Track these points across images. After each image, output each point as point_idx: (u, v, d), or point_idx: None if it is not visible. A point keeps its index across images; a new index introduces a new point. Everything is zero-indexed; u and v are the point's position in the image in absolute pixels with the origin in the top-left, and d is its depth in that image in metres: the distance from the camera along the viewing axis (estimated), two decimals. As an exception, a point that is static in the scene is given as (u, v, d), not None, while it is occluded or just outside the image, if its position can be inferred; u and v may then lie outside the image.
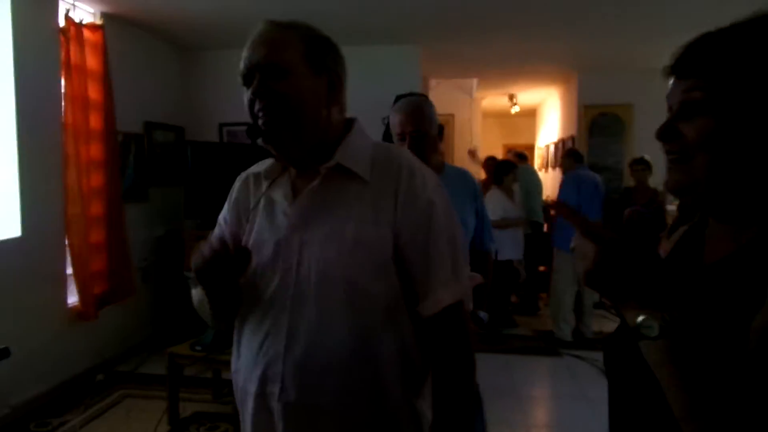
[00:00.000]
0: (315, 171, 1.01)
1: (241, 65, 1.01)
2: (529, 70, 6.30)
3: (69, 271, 3.55)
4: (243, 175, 1.18)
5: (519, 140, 9.96)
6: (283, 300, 1.00)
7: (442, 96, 6.82)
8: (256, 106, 0.99)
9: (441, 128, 1.97)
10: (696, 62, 0.70)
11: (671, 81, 0.74)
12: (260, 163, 1.13)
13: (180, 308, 3.77)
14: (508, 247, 4.72)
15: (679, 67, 0.72)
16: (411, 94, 2.24)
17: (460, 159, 7.37)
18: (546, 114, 8.73)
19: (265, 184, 1.09)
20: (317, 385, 0.98)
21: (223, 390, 3.36)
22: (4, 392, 3.03)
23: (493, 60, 5.67)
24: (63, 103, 3.47)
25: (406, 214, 0.99)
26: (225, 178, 4.92)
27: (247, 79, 1.00)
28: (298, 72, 0.98)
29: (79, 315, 3.59)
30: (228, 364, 2.85)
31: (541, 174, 8.17)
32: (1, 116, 3.06)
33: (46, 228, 3.36)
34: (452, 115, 7.38)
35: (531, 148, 9.43)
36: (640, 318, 0.65)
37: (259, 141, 1.00)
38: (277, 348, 0.99)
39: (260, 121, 0.99)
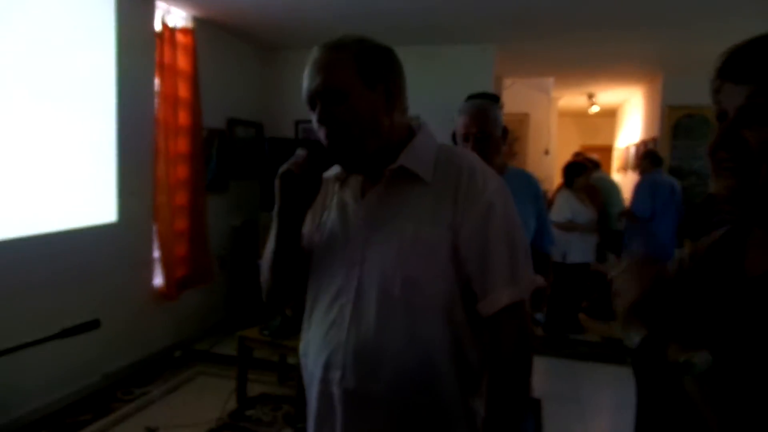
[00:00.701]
0: (381, 173, 1.08)
1: (303, 91, 1.08)
2: (609, 69, 6.06)
3: (156, 255, 3.87)
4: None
5: (597, 141, 9.59)
6: (348, 293, 1.07)
7: (517, 95, 6.71)
8: (322, 131, 1.07)
9: (505, 130, 1.98)
10: (756, 67, 0.67)
11: (718, 84, 0.72)
12: (333, 167, 1.17)
13: (252, 295, 4.00)
14: (578, 250, 4.60)
15: (733, 72, 0.70)
16: (483, 95, 2.26)
17: (535, 159, 7.23)
18: (627, 114, 8.34)
19: (336, 185, 1.17)
20: (373, 376, 1.03)
21: (288, 374, 3.54)
22: (97, 362, 3.37)
23: (572, 59, 5.51)
24: (156, 101, 3.78)
25: (464, 214, 1.03)
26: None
27: (311, 104, 1.07)
28: (355, 91, 1.04)
29: (162, 296, 3.91)
30: (293, 349, 3.01)
31: (619, 177, 7.85)
32: (104, 113, 3.38)
33: (138, 215, 3.68)
34: (527, 115, 7.23)
35: (609, 149, 9.05)
36: (683, 358, 0.63)
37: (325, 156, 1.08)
38: (340, 337, 1.06)
39: (327, 144, 1.07)
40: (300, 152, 1.08)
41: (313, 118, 1.07)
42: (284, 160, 1.10)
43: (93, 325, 1.18)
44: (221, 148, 4.59)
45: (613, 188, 5.69)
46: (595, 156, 6.21)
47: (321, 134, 1.07)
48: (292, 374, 3.42)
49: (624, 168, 7.97)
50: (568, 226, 4.52)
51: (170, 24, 3.85)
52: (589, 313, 5.22)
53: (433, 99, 3.71)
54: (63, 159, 3.10)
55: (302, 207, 1.11)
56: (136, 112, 3.60)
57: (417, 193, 1.06)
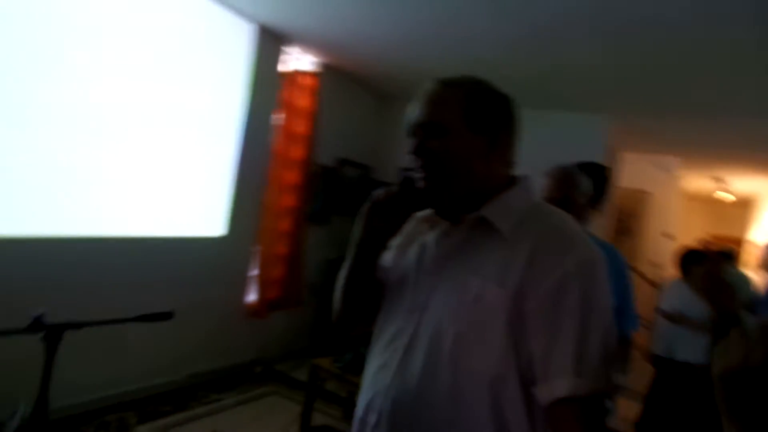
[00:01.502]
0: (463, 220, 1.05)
1: (405, 120, 1.08)
2: (742, 155, 5.59)
3: (253, 273, 4.18)
4: (415, 215, 1.23)
5: (727, 231, 8.72)
6: (403, 338, 1.03)
7: (636, 171, 6.38)
8: (415, 163, 1.05)
9: (592, 199, 1.95)
10: None
11: None
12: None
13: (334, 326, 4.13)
14: (687, 345, 4.16)
15: None
16: (590, 164, 2.24)
17: (652, 240, 6.76)
18: (766, 206, 7.54)
19: (426, 227, 1.15)
20: (408, 430, 0.99)
21: (353, 411, 3.58)
22: (182, 361, 3.68)
23: (697, 141, 5.18)
24: (275, 135, 4.17)
25: (536, 279, 0.93)
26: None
27: (410, 133, 1.06)
28: (456, 131, 1.01)
29: (253, 312, 4.19)
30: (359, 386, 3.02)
31: (753, 275, 7.04)
32: (228, 140, 3.81)
33: (243, 234, 4.03)
34: (647, 193, 6.83)
35: (741, 242, 8.19)
36: None
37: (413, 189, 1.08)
38: (385, 381, 1.03)
39: (418, 177, 1.05)
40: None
41: (409, 148, 1.06)
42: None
43: (167, 315, 1.35)
44: (328, 184, 4.90)
45: (743, 283, 5.08)
46: (729, 246, 5.64)
47: (414, 165, 1.06)
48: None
49: (761, 267, 7.13)
50: (677, 318, 4.14)
51: (299, 68, 4.26)
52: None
53: (535, 164, 3.68)
54: (187, 175, 3.53)
55: (382, 240, 1.12)
56: (255, 142, 3.99)
57: (492, 247, 0.99)
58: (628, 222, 6.72)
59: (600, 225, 5.24)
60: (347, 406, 3.66)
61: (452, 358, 0.96)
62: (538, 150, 4.42)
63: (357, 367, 3.23)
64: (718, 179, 7.19)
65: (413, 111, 1.07)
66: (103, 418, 3.05)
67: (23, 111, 2.61)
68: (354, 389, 3.39)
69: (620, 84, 3.83)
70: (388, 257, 1.20)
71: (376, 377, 1.06)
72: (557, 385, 0.90)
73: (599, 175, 2.28)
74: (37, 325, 1.01)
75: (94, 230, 3.01)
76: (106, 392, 3.18)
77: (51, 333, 1.02)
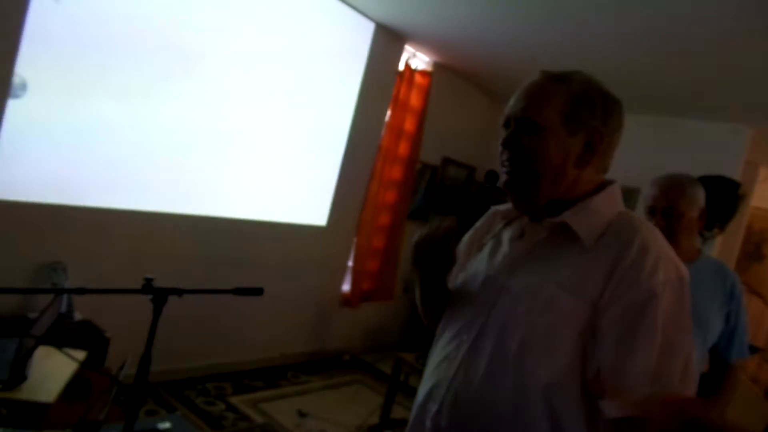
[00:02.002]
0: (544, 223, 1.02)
1: (505, 110, 1.05)
2: None
3: (349, 264, 4.30)
4: (492, 209, 1.23)
5: None
6: (470, 333, 1.03)
7: (777, 189, 5.69)
8: (504, 155, 1.03)
9: (703, 212, 1.77)
10: None
11: None
12: (509, 204, 1.15)
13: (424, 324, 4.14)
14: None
15: None
16: (720, 178, 2.05)
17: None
18: None
19: (501, 223, 1.15)
20: (468, 423, 0.99)
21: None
22: (277, 341, 3.87)
23: None
24: (383, 130, 4.24)
25: (616, 294, 0.90)
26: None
27: (506, 124, 1.04)
28: (551, 130, 0.97)
29: (345, 301, 4.31)
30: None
31: None
32: (337, 133, 3.93)
33: (344, 225, 4.15)
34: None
35: None
36: None
37: (498, 183, 1.11)
38: (448, 372, 1.04)
39: (503, 170, 1.04)
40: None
41: (501, 138, 1.05)
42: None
43: (257, 291, 1.42)
44: (431, 182, 4.89)
45: None
46: None
47: (502, 156, 1.04)
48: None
49: None
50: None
51: (412, 66, 4.29)
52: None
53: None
54: (299, 166, 3.69)
55: (440, 275, 1.12)
56: (365, 138, 4.09)
57: (571, 254, 0.96)
58: (763, 246, 6.04)
59: (724, 245, 4.74)
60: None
61: (517, 361, 0.94)
62: (668, 161, 4.10)
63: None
64: None
65: (512, 101, 1.04)
66: (203, 385, 3.29)
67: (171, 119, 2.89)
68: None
69: (764, 90, 3.42)
70: (463, 255, 1.20)
71: (440, 367, 1.06)
72: (624, 403, 0.88)
73: (727, 190, 2.07)
74: (148, 287, 1.11)
75: (210, 210, 3.25)
76: (208, 361, 3.44)
77: (157, 295, 1.12)
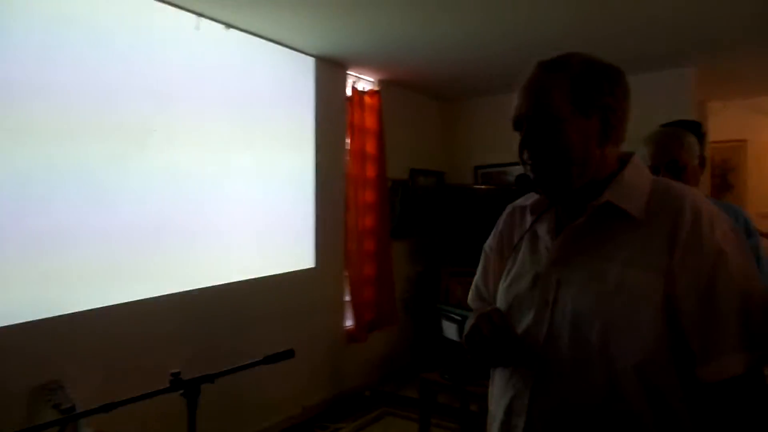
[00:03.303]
0: (582, 208, 0.98)
1: (512, 111, 1.02)
2: None
3: (347, 298, 4.19)
4: (510, 207, 1.19)
5: None
6: (537, 335, 0.98)
7: (731, 120, 5.90)
8: (525, 155, 1.00)
9: (703, 159, 1.77)
10: None
11: None
12: (527, 196, 1.13)
13: (435, 338, 4.05)
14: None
15: None
16: (679, 122, 2.06)
17: (758, 192, 6.20)
18: None
19: (530, 218, 1.10)
20: (565, 426, 0.94)
21: (471, 421, 3.46)
22: (297, 395, 3.72)
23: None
24: (347, 158, 4.19)
25: (685, 260, 0.88)
26: (478, 216, 5.08)
27: (517, 126, 1.01)
28: (566, 118, 0.95)
29: (352, 337, 4.19)
30: (474, 395, 2.92)
31: None
32: (304, 170, 3.85)
33: (332, 261, 4.05)
34: (744, 141, 6.29)
35: None
36: None
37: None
38: (527, 381, 0.99)
39: (529, 169, 1.01)
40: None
41: (518, 141, 1.02)
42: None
43: (288, 354, 1.33)
44: (404, 197, 4.86)
45: None
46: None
47: (523, 156, 1.01)
48: (476, 422, 3.34)
49: None
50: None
51: (359, 89, 4.27)
52: None
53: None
54: (271, 212, 3.59)
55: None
56: (330, 167, 4.03)
57: (625, 231, 0.94)
58: (728, 177, 6.23)
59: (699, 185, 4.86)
60: (462, 416, 3.56)
61: (602, 350, 0.91)
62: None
63: (469, 375, 3.13)
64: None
65: (517, 101, 1.01)
66: (233, 462, 3.13)
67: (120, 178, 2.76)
68: (468, 398, 3.35)
69: (698, 33, 3.53)
70: (497, 261, 1.16)
71: (512, 380, 1.02)
72: (729, 361, 0.86)
73: (691, 131, 2.09)
74: (177, 382, 1.01)
75: (196, 284, 3.11)
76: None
77: (190, 388, 1.02)
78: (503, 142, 5.26)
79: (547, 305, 0.98)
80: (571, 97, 0.95)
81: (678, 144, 1.70)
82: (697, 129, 2.14)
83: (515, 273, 1.08)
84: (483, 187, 5.09)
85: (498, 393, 1.06)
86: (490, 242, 1.22)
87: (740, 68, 4.47)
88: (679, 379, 0.90)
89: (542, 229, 1.06)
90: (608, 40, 3.60)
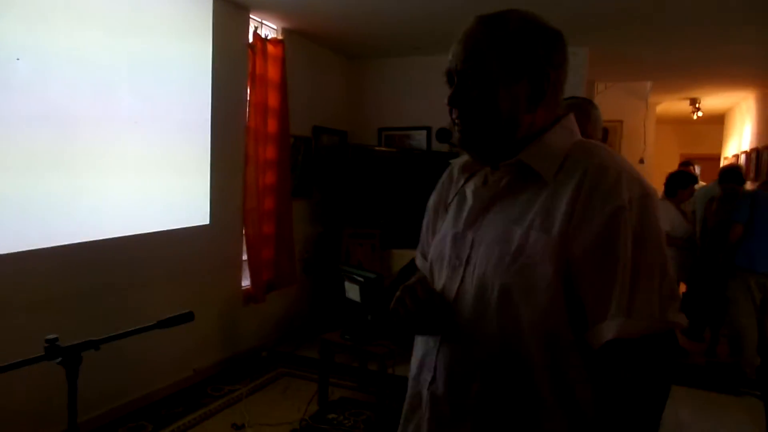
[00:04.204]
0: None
1: (446, 64, 0.98)
2: (715, 73, 5.59)
3: (244, 257, 4.02)
4: (451, 164, 1.17)
5: (700, 149, 8.88)
6: (449, 294, 0.98)
7: (610, 101, 6.36)
8: (453, 113, 0.97)
9: (606, 132, 1.86)
10: None
11: None
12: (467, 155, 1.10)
13: (335, 299, 4.04)
14: (674, 266, 4.24)
15: None
16: (573, 98, 2.14)
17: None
18: (737, 121, 7.66)
19: (463, 178, 1.08)
20: (463, 386, 0.95)
21: (369, 380, 3.53)
22: (189, 357, 3.54)
23: (672, 62, 5.14)
24: (247, 110, 3.94)
25: (583, 219, 0.86)
26: (381, 179, 5.12)
27: (449, 80, 0.98)
28: (497, 77, 0.92)
29: (249, 297, 4.05)
30: (374, 355, 2.98)
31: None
32: (199, 121, 3.57)
33: (229, 219, 3.84)
34: (621, 122, 6.84)
35: (715, 158, 8.35)
36: None
37: (452, 140, 1.01)
38: (435, 340, 1.00)
39: (456, 128, 0.98)
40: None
41: (446, 96, 0.98)
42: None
43: (187, 317, 1.21)
44: (306, 155, 4.71)
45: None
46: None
47: (452, 114, 0.98)
48: (372, 380, 3.40)
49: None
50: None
51: (262, 35, 4.01)
52: (689, 334, 4.79)
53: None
54: (162, 163, 3.30)
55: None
56: (229, 120, 3.77)
57: (534, 193, 0.92)
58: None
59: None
60: (361, 376, 3.62)
61: (500, 310, 0.90)
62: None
63: (368, 336, 3.16)
64: (692, 100, 7.25)
65: (450, 54, 0.97)
66: (123, 428, 2.91)
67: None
68: (368, 358, 3.39)
69: (594, 11, 3.71)
70: (430, 222, 1.17)
71: (424, 338, 1.04)
72: (607, 327, 0.85)
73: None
74: (53, 349, 0.86)
75: (81, 238, 2.79)
76: (119, 402, 3.04)
77: (69, 356, 0.88)
78: (408, 106, 5.33)
79: (460, 264, 0.98)
80: (504, 56, 0.92)
81: (586, 117, 1.76)
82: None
83: (442, 231, 1.08)
84: (386, 149, 5.08)
85: (415, 350, 1.08)
86: (432, 198, 1.20)
87: (624, 52, 4.81)
88: (577, 341, 0.89)
89: (469, 189, 1.05)
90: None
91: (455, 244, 1.01)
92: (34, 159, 2.58)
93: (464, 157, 1.09)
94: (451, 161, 1.16)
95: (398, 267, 4.49)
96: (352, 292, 3.20)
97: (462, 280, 0.97)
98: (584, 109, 1.77)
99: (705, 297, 4.59)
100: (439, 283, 1.02)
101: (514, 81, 0.92)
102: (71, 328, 2.51)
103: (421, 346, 1.05)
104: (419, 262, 1.24)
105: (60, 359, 0.89)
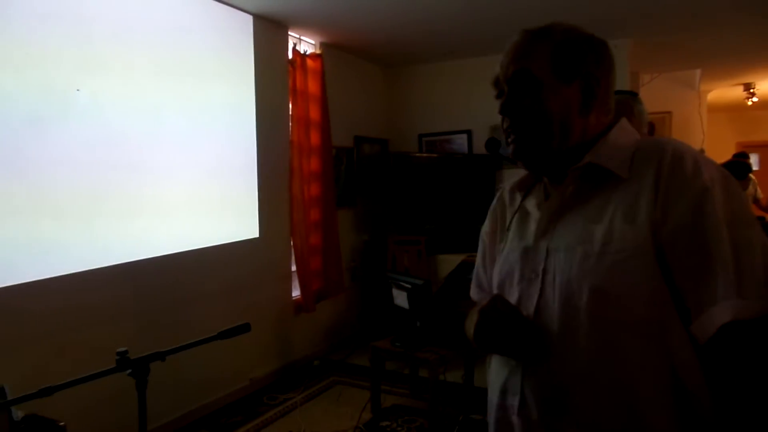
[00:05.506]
0: (566, 175, 0.96)
1: (493, 76, 1.00)
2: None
3: (293, 268, 4.11)
4: (500, 190, 1.17)
5: (757, 136, 8.46)
6: (528, 308, 0.94)
7: (658, 92, 6.15)
8: (505, 123, 0.98)
9: (652, 126, 1.81)
10: None
11: None
12: (516, 175, 1.10)
13: (383, 306, 4.07)
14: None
15: None
16: (619, 92, 2.10)
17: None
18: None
19: (519, 196, 1.08)
20: (559, 404, 0.89)
21: (420, 387, 3.53)
22: (245, 367, 3.64)
23: (721, 48, 4.93)
24: (290, 124, 4.05)
25: (668, 206, 0.83)
26: (423, 185, 5.11)
27: (498, 92, 1.00)
28: (546, 83, 0.93)
29: (300, 307, 4.13)
30: (424, 361, 2.97)
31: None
32: (246, 136, 3.69)
33: (277, 231, 3.94)
34: (669, 113, 6.60)
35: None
36: None
37: (501, 151, 1.01)
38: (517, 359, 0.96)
39: (509, 139, 0.98)
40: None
41: (497, 107, 0.99)
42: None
43: (245, 328, 1.26)
44: (349, 165, 4.78)
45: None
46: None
47: (503, 125, 0.98)
48: (424, 387, 3.40)
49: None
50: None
51: (301, 51, 4.11)
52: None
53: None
54: (212, 180, 3.42)
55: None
56: (273, 135, 3.88)
57: (612, 191, 0.90)
58: (656, 146, 6.55)
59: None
60: (413, 382, 3.62)
61: (594, 313, 0.86)
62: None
63: (419, 342, 3.16)
64: (747, 85, 6.93)
65: (500, 66, 0.99)
66: (181, 439, 3.03)
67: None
68: (418, 364, 3.40)
69: (633, 5, 3.62)
70: (492, 244, 1.13)
71: (504, 361, 0.99)
72: (717, 311, 0.79)
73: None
74: (124, 361, 0.92)
75: (128, 257, 2.93)
76: (179, 413, 3.16)
77: (138, 367, 0.93)
78: (447, 110, 5.33)
79: (537, 276, 0.94)
80: (553, 63, 0.94)
81: (629, 112, 1.73)
82: (634, 97, 2.20)
83: (507, 249, 1.05)
84: (427, 155, 5.09)
85: (493, 376, 1.02)
86: (485, 227, 1.18)
87: (670, 41, 4.65)
88: (690, 336, 0.83)
89: (531, 204, 1.04)
90: (546, 9, 3.62)
91: (527, 257, 0.98)
92: (93, 180, 2.73)
93: (513, 179, 1.09)
94: (499, 186, 1.15)
95: (444, 272, 4.48)
96: (400, 298, 3.21)
97: (541, 293, 0.93)
98: (626, 104, 1.74)
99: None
100: (513, 299, 0.98)
101: (564, 86, 0.94)
102: (134, 342, 2.63)
103: (500, 369, 1.00)
104: (475, 294, 1.19)
105: (130, 371, 0.94)
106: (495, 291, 1.04)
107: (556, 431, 0.89)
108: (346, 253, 4.65)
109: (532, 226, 1.00)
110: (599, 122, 0.97)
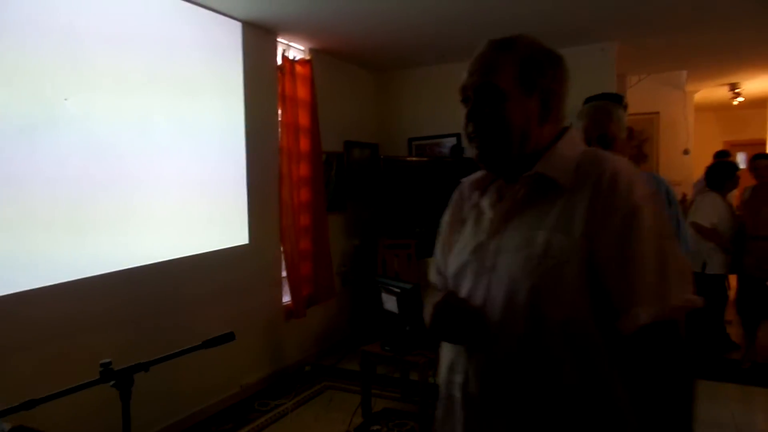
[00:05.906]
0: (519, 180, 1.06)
1: (461, 83, 1.08)
2: (755, 55, 5.40)
3: (283, 274, 4.11)
4: (461, 184, 1.26)
5: (744, 135, 8.56)
6: (477, 299, 1.05)
7: (645, 93, 6.22)
8: (469, 128, 1.07)
9: (630, 131, 1.85)
10: None
11: None
12: (477, 172, 1.19)
13: (373, 310, 4.08)
14: (719, 260, 4.10)
15: None
16: (603, 95, 2.13)
17: (669, 160, 6.62)
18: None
19: (476, 194, 1.17)
20: (496, 385, 1.01)
21: (411, 390, 3.54)
22: (236, 374, 3.64)
23: (706, 49, 4.99)
24: (279, 130, 4.06)
25: (602, 220, 0.95)
26: (413, 188, 5.14)
27: (464, 98, 1.08)
28: (510, 95, 1.02)
29: (291, 313, 4.13)
30: (414, 365, 3.01)
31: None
32: (235, 143, 3.69)
33: (267, 237, 3.94)
34: (657, 113, 6.67)
35: (760, 143, 8.04)
36: None
37: (468, 154, 1.08)
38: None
39: (474, 144, 1.07)
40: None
41: (464, 113, 1.07)
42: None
43: (229, 337, 1.27)
44: (339, 170, 4.79)
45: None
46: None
47: (468, 129, 1.07)
48: (415, 390, 3.41)
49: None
50: (711, 233, 4.04)
51: (290, 57, 4.12)
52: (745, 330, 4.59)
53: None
54: (201, 187, 3.42)
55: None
56: (262, 141, 3.88)
57: (553, 200, 1.01)
58: (642, 147, 6.62)
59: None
60: (404, 386, 3.63)
61: (532, 308, 0.97)
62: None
63: (408, 346, 3.18)
64: (732, 85, 7.01)
65: (466, 75, 1.07)
66: (170, 447, 3.03)
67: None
68: (408, 368, 3.41)
69: (619, 8, 3.66)
70: (446, 239, 1.23)
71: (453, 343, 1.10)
72: (641, 312, 0.92)
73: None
74: (107, 373, 0.93)
75: (116, 265, 2.92)
76: (170, 421, 3.15)
77: (122, 379, 0.94)
78: (436, 114, 5.35)
79: (485, 273, 1.05)
80: (517, 75, 1.03)
81: (608, 118, 1.77)
82: (620, 102, 2.23)
83: (461, 243, 1.14)
84: (417, 159, 5.12)
85: (444, 354, 1.14)
86: (445, 216, 1.28)
87: (655, 43, 4.71)
88: (602, 334, 0.97)
89: (486, 203, 1.13)
90: (535, 15, 3.66)
91: (479, 253, 1.08)
92: (82, 190, 2.73)
93: (473, 175, 1.18)
94: (461, 180, 1.24)
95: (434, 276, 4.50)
96: (390, 303, 3.23)
97: (488, 287, 1.03)
98: (606, 109, 1.77)
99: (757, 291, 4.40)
100: (463, 291, 1.09)
101: (526, 98, 1.03)
102: (123, 351, 2.63)
103: (449, 350, 1.11)
104: (433, 277, 1.29)
105: (113, 382, 0.95)
106: (450, 279, 1.15)
107: (492, 405, 1.02)
108: (337, 257, 4.66)
109: (486, 224, 1.10)
110: (552, 131, 1.08)
